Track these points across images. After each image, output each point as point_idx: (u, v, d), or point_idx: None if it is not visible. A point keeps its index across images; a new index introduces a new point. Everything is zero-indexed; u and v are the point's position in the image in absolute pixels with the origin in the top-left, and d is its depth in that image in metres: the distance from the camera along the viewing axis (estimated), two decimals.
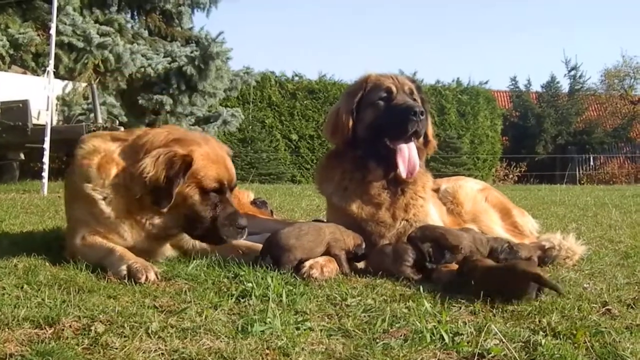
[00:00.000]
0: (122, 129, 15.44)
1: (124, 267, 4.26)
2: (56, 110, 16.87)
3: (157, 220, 4.69)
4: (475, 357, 2.89)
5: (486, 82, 36.36)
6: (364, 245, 4.82)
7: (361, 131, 5.11)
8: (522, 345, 3.07)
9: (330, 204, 5.37)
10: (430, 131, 5.34)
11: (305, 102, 30.79)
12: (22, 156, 16.27)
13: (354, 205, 5.07)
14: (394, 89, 5.11)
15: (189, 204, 4.63)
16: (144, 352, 2.82)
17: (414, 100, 5.14)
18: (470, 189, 5.99)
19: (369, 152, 5.08)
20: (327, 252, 4.68)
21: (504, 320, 3.50)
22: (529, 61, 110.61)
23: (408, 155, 4.98)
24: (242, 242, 4.93)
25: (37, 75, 17.25)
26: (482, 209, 5.89)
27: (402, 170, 4.96)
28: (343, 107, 5.22)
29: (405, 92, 5.16)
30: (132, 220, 4.71)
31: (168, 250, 4.99)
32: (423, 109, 5.02)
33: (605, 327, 3.32)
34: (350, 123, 5.11)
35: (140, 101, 19.27)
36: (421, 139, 5.20)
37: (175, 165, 4.50)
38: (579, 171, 39.14)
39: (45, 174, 13.10)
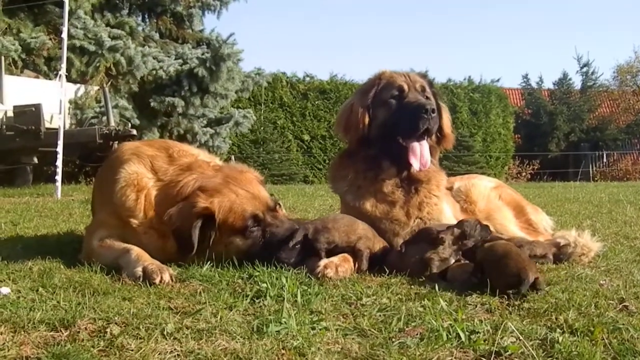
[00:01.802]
0: (134, 131, 15.53)
1: (139, 268, 4.27)
2: (69, 113, 16.94)
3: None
4: (492, 355, 2.87)
5: (498, 80, 36.21)
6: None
7: (374, 129, 5.14)
8: (539, 342, 3.05)
9: (344, 202, 5.37)
10: (447, 124, 5.38)
11: (316, 102, 30.74)
12: (36, 160, 16.31)
13: (367, 203, 5.07)
14: (405, 87, 5.14)
15: (233, 249, 4.68)
16: (159, 354, 2.82)
17: (426, 97, 5.15)
18: (483, 187, 5.97)
19: (382, 151, 5.09)
20: (353, 247, 4.69)
21: (520, 317, 3.48)
22: (540, 58, 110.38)
23: (420, 152, 4.99)
24: None
25: (50, 79, 17.33)
26: (495, 207, 5.86)
27: (415, 163, 4.98)
28: (357, 103, 5.25)
29: (417, 89, 5.18)
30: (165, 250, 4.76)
31: None
32: (434, 107, 5.05)
33: (623, 324, 3.30)
34: (367, 119, 5.15)
35: (152, 103, 19.32)
36: (434, 137, 5.21)
37: (193, 218, 4.54)
38: (592, 168, 38.96)
39: (58, 178, 13.13)
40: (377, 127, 5.13)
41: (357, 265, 4.64)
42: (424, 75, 5.44)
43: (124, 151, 5.10)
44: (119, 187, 4.83)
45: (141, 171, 4.89)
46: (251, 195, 4.79)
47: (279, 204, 5.04)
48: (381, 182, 5.09)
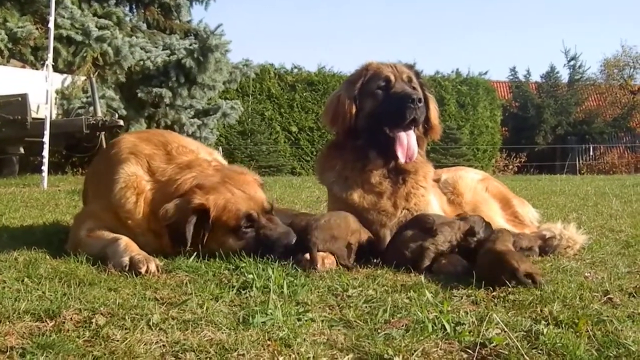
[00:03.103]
0: (121, 122, 15.47)
1: (126, 258, 4.27)
2: (55, 104, 16.85)
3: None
4: (477, 347, 2.88)
5: (485, 73, 36.31)
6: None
7: (361, 120, 5.14)
8: (524, 334, 3.06)
9: (331, 194, 5.37)
10: (434, 115, 5.38)
11: (304, 94, 30.73)
12: (22, 150, 16.24)
13: (355, 194, 5.07)
14: (392, 77, 5.14)
15: (226, 247, 4.67)
16: (145, 344, 2.81)
17: (413, 88, 5.15)
18: (470, 180, 5.97)
19: (369, 141, 5.09)
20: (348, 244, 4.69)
21: (505, 309, 3.50)
22: (528, 51, 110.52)
23: (407, 142, 4.99)
24: None
25: (36, 69, 17.22)
26: (482, 199, 5.87)
27: (401, 156, 4.99)
28: (344, 94, 5.24)
29: (404, 80, 5.18)
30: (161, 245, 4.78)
31: None
32: (421, 97, 5.06)
33: (607, 316, 3.32)
34: (354, 110, 5.14)
35: (139, 94, 19.22)
36: (421, 128, 5.22)
37: (188, 213, 4.56)
38: (579, 161, 39.12)
39: (45, 168, 13.09)
40: (364, 118, 5.13)
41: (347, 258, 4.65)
42: (410, 66, 5.44)
43: (122, 149, 5.04)
44: (118, 187, 4.81)
45: (140, 173, 4.87)
46: (247, 196, 4.79)
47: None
48: (368, 173, 5.08)
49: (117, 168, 4.89)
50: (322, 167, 5.44)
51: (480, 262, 4.27)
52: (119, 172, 4.86)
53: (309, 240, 4.49)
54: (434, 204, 5.32)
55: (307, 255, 4.43)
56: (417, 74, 5.41)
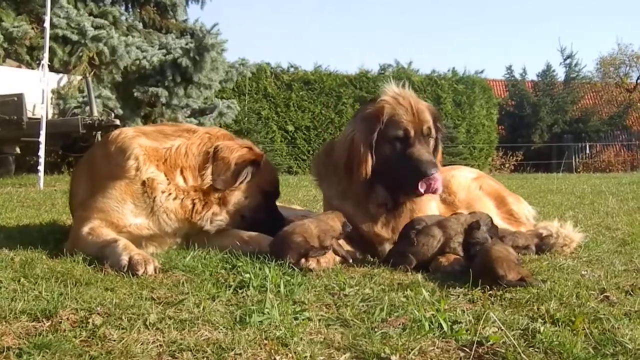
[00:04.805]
0: (117, 121, 15.46)
1: (125, 257, 4.25)
2: (51, 103, 16.82)
3: (217, 220, 5.01)
4: (474, 345, 2.89)
5: (482, 72, 36.15)
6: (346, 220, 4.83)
7: (376, 165, 4.91)
8: (520, 332, 3.07)
9: (327, 201, 5.34)
10: (439, 157, 5.18)
11: (301, 93, 30.66)
12: (18, 150, 16.19)
13: (351, 210, 4.99)
14: (411, 131, 4.88)
15: (249, 202, 5.08)
16: (142, 344, 2.81)
17: (434, 140, 5.02)
18: (464, 178, 5.96)
19: (380, 182, 4.95)
20: (321, 245, 4.60)
21: (502, 308, 3.50)
22: (524, 50, 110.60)
23: (432, 185, 4.81)
24: (247, 233, 5.05)
25: (32, 68, 17.20)
26: (476, 197, 5.85)
27: (422, 189, 4.77)
28: (359, 138, 4.97)
29: (423, 133, 4.93)
30: (183, 215, 4.94)
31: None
32: (437, 167, 4.83)
33: (604, 314, 3.33)
34: (369, 160, 4.89)
35: (135, 94, 19.19)
36: None
37: (247, 156, 5.07)
38: (575, 159, 39.13)
39: (41, 168, 13.07)
40: (380, 165, 4.91)
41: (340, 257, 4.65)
42: (430, 109, 5.14)
43: (126, 135, 5.10)
44: (132, 163, 4.89)
45: (153, 145, 5.00)
46: (276, 174, 5.55)
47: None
48: (370, 204, 5.01)
49: (126, 149, 4.94)
50: (320, 173, 5.38)
51: (475, 262, 4.28)
52: (129, 149, 4.92)
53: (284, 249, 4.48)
54: (432, 206, 5.29)
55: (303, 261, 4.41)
56: (436, 118, 5.15)
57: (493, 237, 4.68)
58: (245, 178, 5.01)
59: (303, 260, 4.38)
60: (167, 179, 4.88)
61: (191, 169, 4.94)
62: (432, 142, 5.05)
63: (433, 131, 5.03)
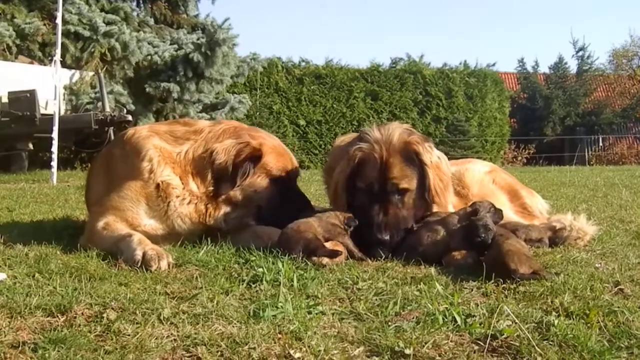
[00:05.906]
0: (129, 117, 15.50)
1: (139, 252, 4.25)
2: (64, 99, 16.92)
3: (232, 219, 5.03)
4: (488, 339, 2.88)
5: (493, 65, 36.04)
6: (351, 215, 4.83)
7: (353, 201, 4.97)
8: (534, 326, 3.06)
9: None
10: (433, 184, 4.96)
11: (312, 87, 30.68)
12: (31, 146, 16.30)
13: None
14: (375, 186, 4.82)
15: (260, 193, 5.05)
16: (156, 339, 2.82)
17: (398, 192, 4.86)
18: (477, 172, 5.93)
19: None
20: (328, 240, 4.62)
21: (516, 301, 3.49)
22: (536, 42, 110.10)
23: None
24: (261, 228, 5.05)
25: (44, 64, 17.28)
26: (489, 191, 5.82)
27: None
28: (339, 179, 5.03)
29: (387, 189, 4.83)
30: (197, 219, 4.96)
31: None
32: (385, 231, 4.73)
33: (618, 307, 3.31)
34: (345, 200, 4.99)
35: (147, 89, 19.28)
36: (418, 202, 4.96)
37: (243, 153, 4.95)
38: (588, 152, 39.00)
39: (54, 164, 13.15)
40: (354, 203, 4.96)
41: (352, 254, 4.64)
42: (407, 145, 4.91)
43: (140, 134, 5.14)
44: (147, 164, 4.91)
45: (167, 147, 5.02)
46: (288, 156, 5.33)
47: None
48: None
49: (140, 149, 4.97)
50: (330, 171, 5.41)
51: (487, 255, 4.26)
52: (143, 150, 4.96)
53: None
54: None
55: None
56: (416, 154, 4.91)
57: (497, 223, 4.67)
58: (247, 174, 4.99)
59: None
60: (182, 184, 4.91)
61: (199, 175, 4.96)
62: (404, 195, 4.87)
63: (404, 183, 4.84)
